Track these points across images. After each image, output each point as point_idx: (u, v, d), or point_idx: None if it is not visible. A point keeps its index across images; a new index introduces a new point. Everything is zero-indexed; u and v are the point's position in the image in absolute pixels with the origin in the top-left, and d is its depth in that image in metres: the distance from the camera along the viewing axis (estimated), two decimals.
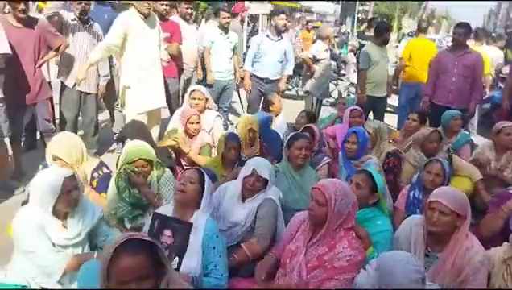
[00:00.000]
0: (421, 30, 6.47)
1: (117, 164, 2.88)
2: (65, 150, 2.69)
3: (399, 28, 28.74)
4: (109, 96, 4.98)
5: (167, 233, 2.12)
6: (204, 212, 2.19)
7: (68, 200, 2.10)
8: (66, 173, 2.13)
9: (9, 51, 3.33)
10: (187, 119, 3.70)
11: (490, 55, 6.73)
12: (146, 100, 4.11)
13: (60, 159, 2.67)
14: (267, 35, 5.31)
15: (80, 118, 4.65)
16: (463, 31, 4.78)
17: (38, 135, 4.66)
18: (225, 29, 5.46)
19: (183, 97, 5.49)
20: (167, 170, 2.92)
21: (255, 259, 2.38)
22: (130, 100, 4.11)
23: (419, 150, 3.57)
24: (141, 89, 4.06)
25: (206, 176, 2.25)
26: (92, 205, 2.36)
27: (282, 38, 5.37)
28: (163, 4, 4.75)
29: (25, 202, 2.31)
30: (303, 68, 7.19)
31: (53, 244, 2.10)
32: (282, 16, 5.26)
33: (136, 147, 2.68)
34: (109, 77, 4.65)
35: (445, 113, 4.17)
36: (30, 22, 3.64)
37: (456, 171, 3.32)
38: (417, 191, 2.91)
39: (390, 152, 3.52)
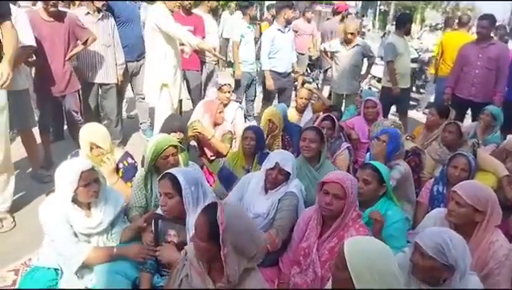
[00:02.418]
0: (462, 24, 6.39)
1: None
2: (101, 137, 2.78)
3: (422, 20, 28.10)
4: (123, 85, 4.95)
5: (172, 232, 2.15)
6: (195, 210, 2.02)
7: (86, 192, 2.10)
8: (84, 166, 2.10)
9: (34, 43, 3.35)
10: (217, 110, 3.87)
11: None
12: (176, 94, 4.23)
13: (98, 147, 2.75)
14: (279, 29, 5.20)
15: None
16: (487, 23, 4.69)
17: (65, 126, 4.80)
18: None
19: (205, 89, 5.59)
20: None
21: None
22: (166, 96, 4.12)
23: (442, 144, 3.53)
24: (175, 84, 4.16)
25: (180, 178, 2.05)
26: (115, 194, 2.37)
27: (289, 29, 5.37)
28: None
29: (51, 191, 2.33)
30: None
31: (75, 234, 2.12)
32: (292, 10, 5.24)
33: (163, 137, 2.71)
34: (125, 66, 4.68)
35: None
36: (60, 16, 3.74)
37: (480, 167, 3.25)
38: (441, 185, 2.89)
39: (408, 151, 3.44)
